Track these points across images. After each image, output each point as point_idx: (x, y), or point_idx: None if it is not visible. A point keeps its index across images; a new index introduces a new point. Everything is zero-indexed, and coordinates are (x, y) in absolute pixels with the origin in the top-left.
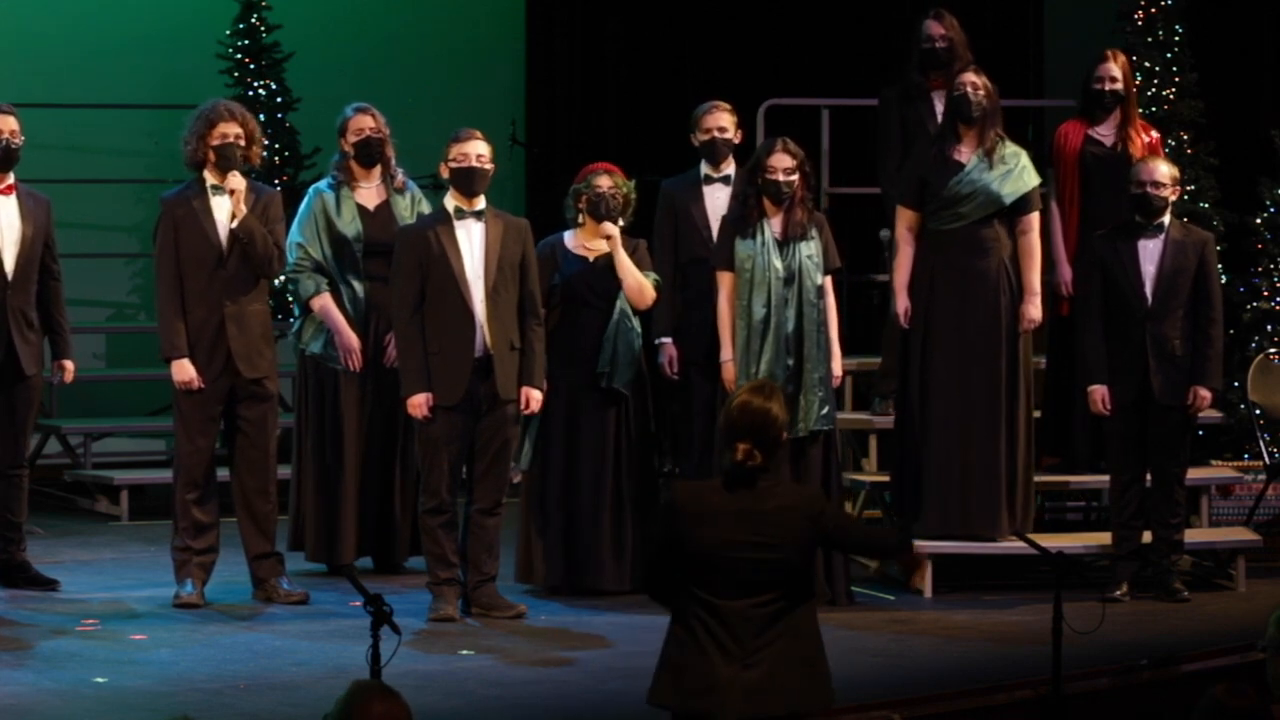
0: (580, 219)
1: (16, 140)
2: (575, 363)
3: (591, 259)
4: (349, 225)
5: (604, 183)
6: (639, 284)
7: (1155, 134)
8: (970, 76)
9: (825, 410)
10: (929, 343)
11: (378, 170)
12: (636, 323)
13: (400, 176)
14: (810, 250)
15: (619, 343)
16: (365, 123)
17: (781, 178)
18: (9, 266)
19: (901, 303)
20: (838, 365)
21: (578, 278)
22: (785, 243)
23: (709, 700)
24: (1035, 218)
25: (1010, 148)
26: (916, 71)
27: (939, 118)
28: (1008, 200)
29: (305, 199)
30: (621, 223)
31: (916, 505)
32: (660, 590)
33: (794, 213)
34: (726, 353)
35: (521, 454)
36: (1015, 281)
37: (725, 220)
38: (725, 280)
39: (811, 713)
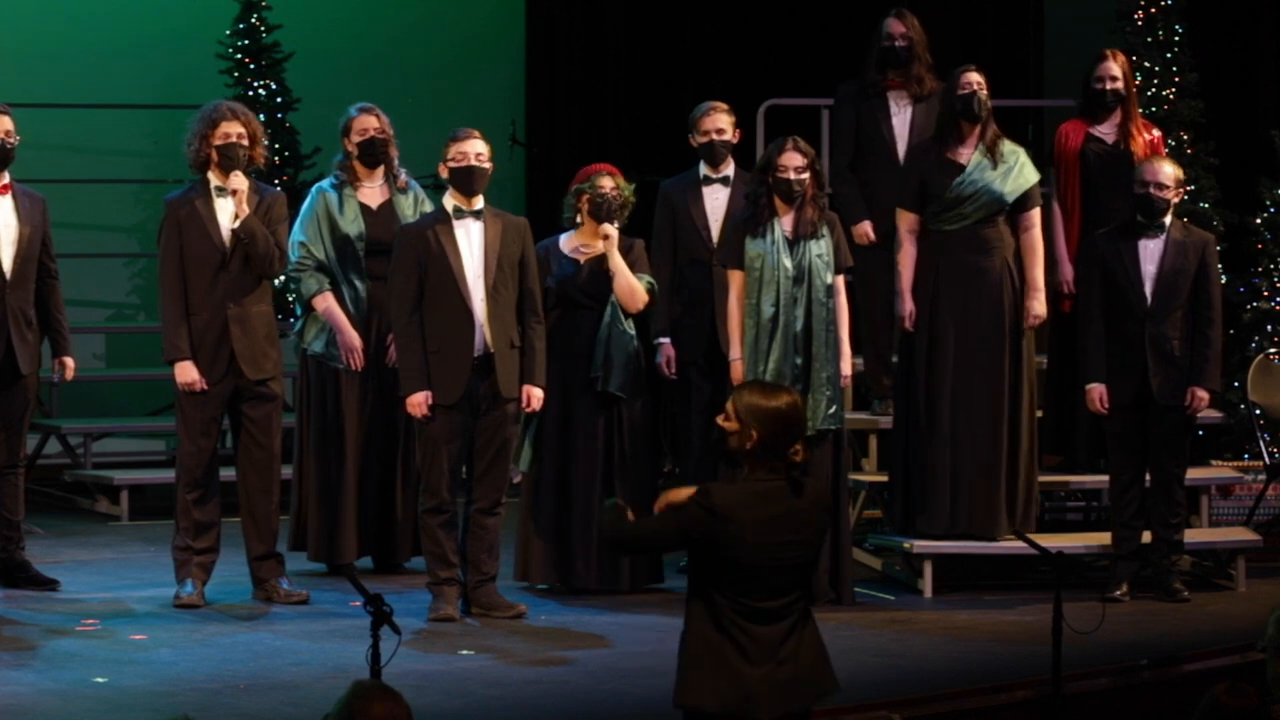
0: (579, 219)
1: (12, 140)
2: (569, 364)
3: (584, 261)
4: (351, 224)
5: (607, 184)
6: (630, 287)
7: (1157, 132)
8: (974, 75)
9: (833, 409)
10: (933, 342)
11: (380, 170)
12: (630, 325)
13: (403, 177)
14: (820, 249)
15: (611, 346)
16: (369, 123)
17: (793, 176)
18: (7, 266)
19: (906, 305)
20: (847, 364)
21: (570, 280)
22: (795, 241)
23: (747, 700)
24: (1037, 214)
25: (1008, 146)
26: (874, 69)
27: (893, 117)
28: (1010, 199)
29: (308, 198)
30: (617, 223)
31: (920, 505)
32: (630, 553)
33: (805, 211)
34: (735, 351)
35: (521, 456)
36: (1018, 280)
37: (733, 219)
38: (735, 279)
39: (829, 693)
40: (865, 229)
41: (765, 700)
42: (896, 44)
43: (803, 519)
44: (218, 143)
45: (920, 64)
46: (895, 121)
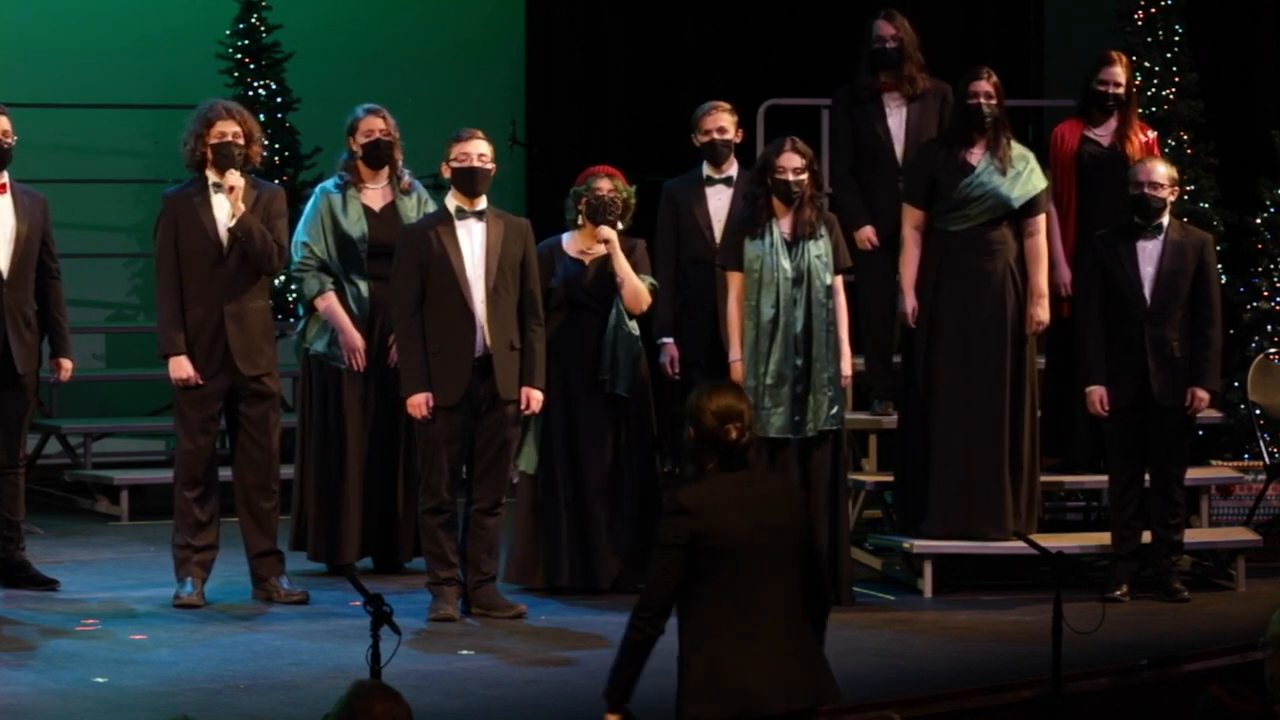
0: (579, 221)
1: (9, 140)
2: (573, 366)
3: (588, 262)
4: (354, 225)
5: (604, 186)
6: (635, 289)
7: (1153, 133)
8: (983, 85)
9: (834, 410)
10: (934, 343)
11: (385, 172)
12: (634, 326)
13: (407, 179)
14: (819, 250)
15: (619, 348)
16: (376, 124)
17: (791, 177)
18: (4, 265)
19: (909, 302)
20: (847, 365)
21: (574, 281)
22: (794, 243)
23: (753, 699)
24: (1043, 220)
25: (1018, 150)
26: (866, 71)
27: (888, 119)
28: (1017, 203)
29: (311, 198)
30: (621, 226)
31: (921, 506)
32: (664, 607)
33: (803, 212)
34: (735, 353)
35: (522, 457)
36: (1021, 283)
37: (733, 220)
38: (734, 280)
39: (825, 706)
40: (868, 234)
41: (772, 693)
42: (887, 45)
43: (776, 502)
44: (213, 141)
45: (912, 64)
46: (891, 123)
